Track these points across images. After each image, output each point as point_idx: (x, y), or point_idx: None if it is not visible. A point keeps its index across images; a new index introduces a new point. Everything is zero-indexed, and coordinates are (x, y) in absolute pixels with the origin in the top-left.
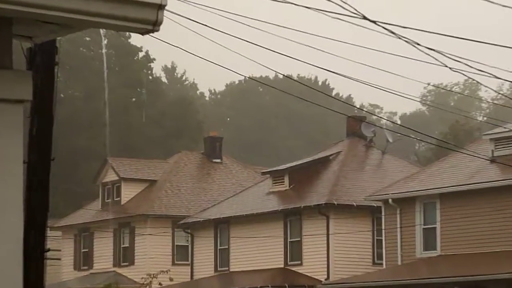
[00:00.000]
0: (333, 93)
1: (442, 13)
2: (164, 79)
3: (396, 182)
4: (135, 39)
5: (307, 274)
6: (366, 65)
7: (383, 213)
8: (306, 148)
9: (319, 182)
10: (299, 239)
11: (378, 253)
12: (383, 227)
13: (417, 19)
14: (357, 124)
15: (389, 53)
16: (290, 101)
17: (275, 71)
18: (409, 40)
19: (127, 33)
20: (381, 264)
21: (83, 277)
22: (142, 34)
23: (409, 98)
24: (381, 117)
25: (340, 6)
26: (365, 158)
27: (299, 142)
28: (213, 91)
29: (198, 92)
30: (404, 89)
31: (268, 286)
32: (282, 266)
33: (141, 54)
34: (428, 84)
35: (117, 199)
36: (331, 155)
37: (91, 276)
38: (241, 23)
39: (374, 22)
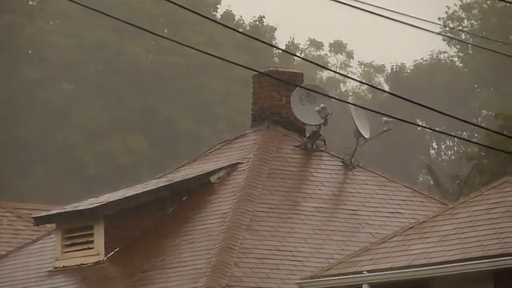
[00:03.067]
0: (220, 13)
1: None
2: None
3: (380, 243)
4: None
5: None
6: None
7: None
8: (157, 156)
9: (183, 242)
10: None
11: None
12: None
13: None
14: (279, 92)
15: None
16: (111, 31)
17: None
18: None
19: None
20: None
21: None
22: None
23: (415, 26)
24: (344, 75)
25: None
26: (300, 181)
27: (141, 142)
28: None
29: None
30: (402, 4)
31: None
32: None
33: None
34: None
35: None
36: (214, 171)
37: None
38: None
39: None
